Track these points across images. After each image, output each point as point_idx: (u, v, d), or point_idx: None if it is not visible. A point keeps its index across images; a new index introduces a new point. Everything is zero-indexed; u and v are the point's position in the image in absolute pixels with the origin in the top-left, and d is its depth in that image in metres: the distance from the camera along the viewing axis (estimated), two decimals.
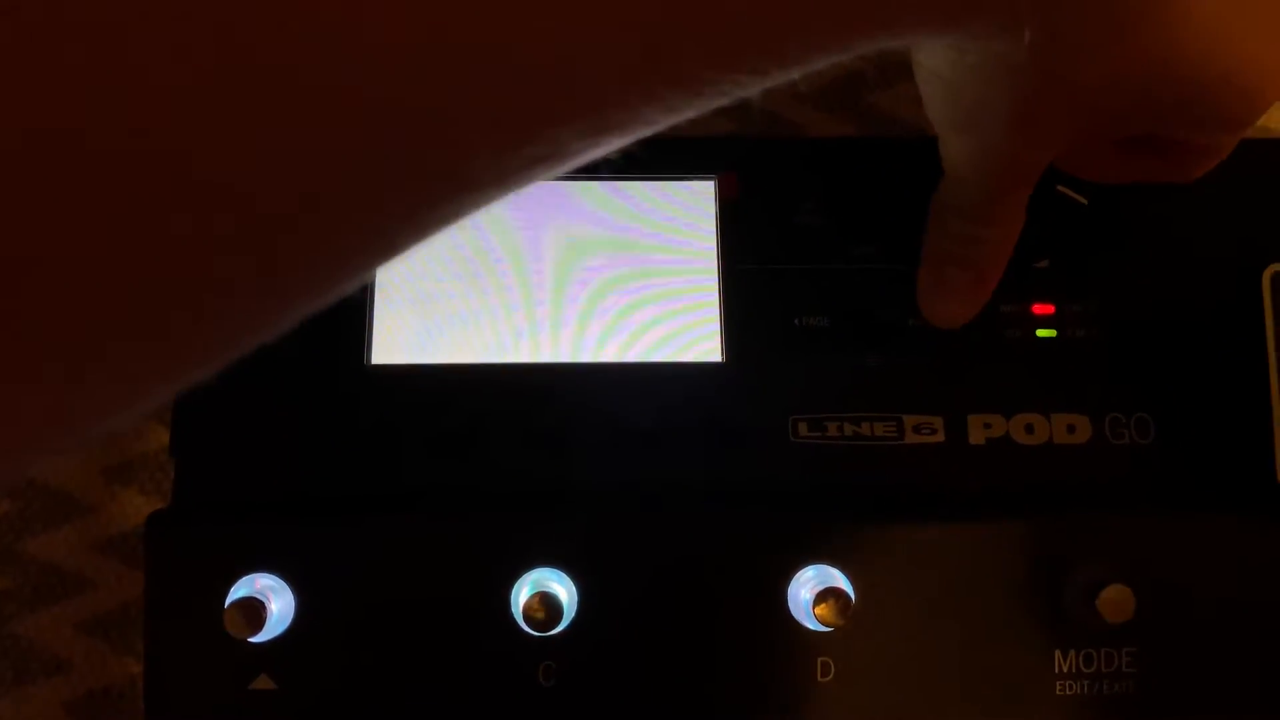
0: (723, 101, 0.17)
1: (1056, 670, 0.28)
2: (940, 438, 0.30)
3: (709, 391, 0.30)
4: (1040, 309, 0.31)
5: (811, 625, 0.28)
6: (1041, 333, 0.31)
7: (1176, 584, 0.28)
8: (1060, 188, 0.30)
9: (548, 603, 0.26)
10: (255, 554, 0.27)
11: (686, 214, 0.32)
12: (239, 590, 0.27)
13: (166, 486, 0.35)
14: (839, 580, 0.27)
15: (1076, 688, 0.28)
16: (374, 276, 0.30)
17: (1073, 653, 0.28)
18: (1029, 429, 0.30)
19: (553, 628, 0.27)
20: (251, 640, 0.27)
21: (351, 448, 0.29)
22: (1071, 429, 0.30)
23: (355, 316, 0.30)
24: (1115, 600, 0.27)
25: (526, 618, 0.27)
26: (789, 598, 0.28)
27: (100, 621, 0.33)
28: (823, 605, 0.27)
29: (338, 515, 0.28)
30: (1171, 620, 0.28)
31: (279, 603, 0.27)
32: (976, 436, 0.30)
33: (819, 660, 0.28)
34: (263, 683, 0.27)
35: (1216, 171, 0.29)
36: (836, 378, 0.30)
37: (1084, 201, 0.31)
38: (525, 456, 0.29)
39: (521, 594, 0.27)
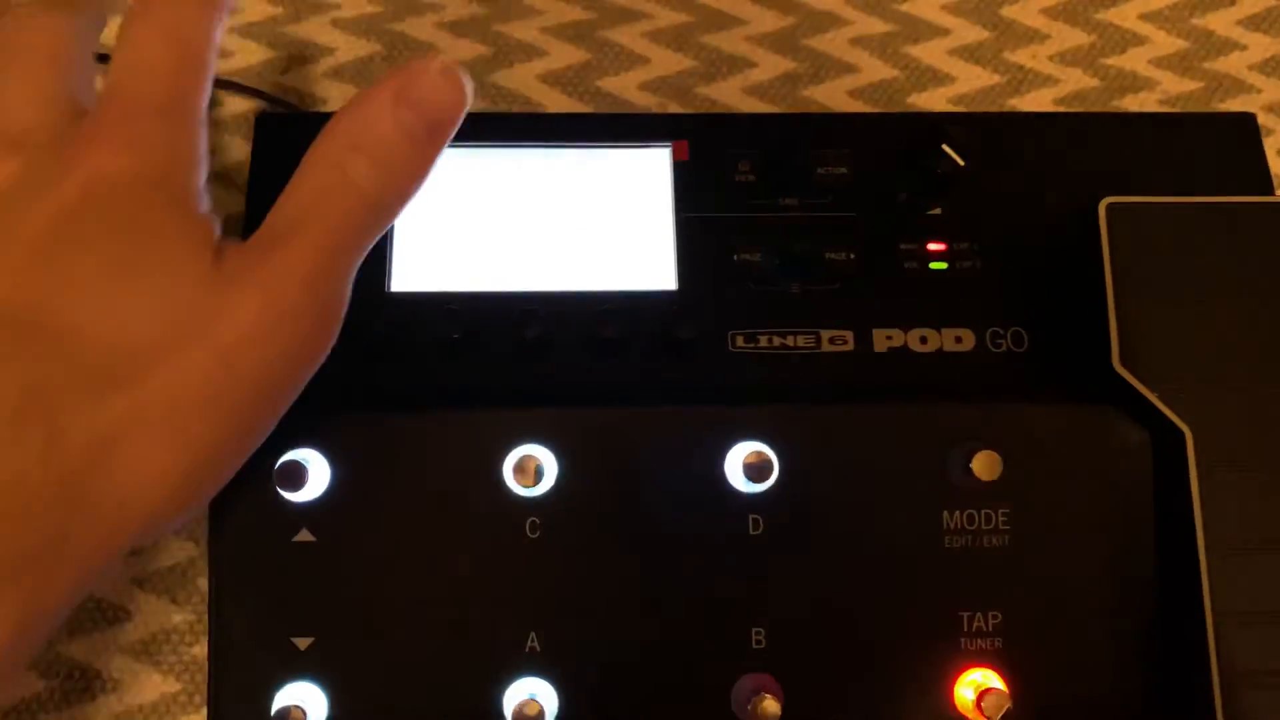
0: None
1: (945, 528, 0.35)
2: (850, 347, 0.37)
3: (665, 312, 0.37)
4: (935, 246, 0.38)
5: (744, 488, 0.34)
6: (934, 265, 0.38)
7: (1039, 457, 0.35)
8: (945, 147, 0.38)
9: (532, 464, 0.33)
10: (299, 432, 0.34)
11: (647, 174, 0.39)
12: (286, 457, 0.33)
13: None
14: (767, 450, 0.34)
15: (961, 541, 0.35)
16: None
17: (958, 512, 0.35)
18: (923, 340, 0.37)
19: (536, 485, 0.33)
20: (294, 500, 0.33)
21: (373, 357, 0.36)
22: (959, 340, 0.37)
23: (379, 253, 0.37)
24: (986, 463, 0.34)
25: (516, 475, 0.33)
26: (725, 469, 0.35)
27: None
28: (751, 467, 0.34)
29: (365, 404, 0.35)
30: (1035, 485, 0.35)
31: (315, 471, 0.34)
32: (880, 346, 0.37)
33: (750, 517, 0.35)
34: (304, 536, 0.34)
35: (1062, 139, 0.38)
36: (767, 301, 0.38)
37: (962, 163, 0.38)
38: (515, 363, 0.36)
39: (511, 462, 0.34)
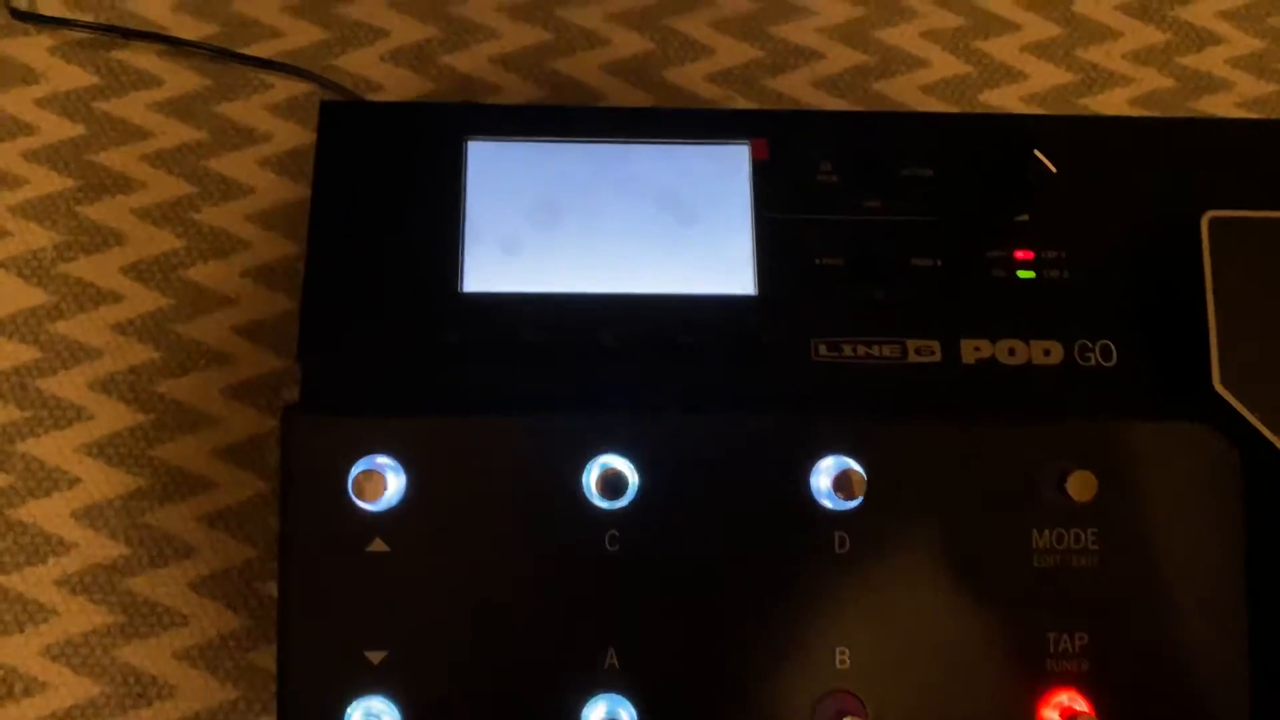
0: None
1: (1034, 546, 0.34)
2: (938, 358, 0.36)
3: (744, 318, 0.36)
4: (1021, 254, 0.37)
5: (830, 505, 0.34)
6: (1022, 274, 0.37)
7: (1130, 476, 0.34)
8: (1037, 153, 0.36)
9: (615, 476, 0.32)
10: (374, 438, 0.33)
11: (724, 172, 0.38)
12: (361, 465, 0.32)
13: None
14: (857, 468, 0.33)
15: (1050, 561, 0.34)
16: (466, 216, 0.36)
17: (1047, 531, 0.34)
18: (1011, 352, 0.36)
19: (618, 499, 0.32)
20: (367, 509, 0.32)
21: (446, 359, 0.35)
22: (1047, 353, 0.36)
23: (451, 252, 0.36)
24: (1082, 483, 0.33)
25: (599, 488, 0.32)
26: (810, 484, 0.34)
27: (221, 515, 0.39)
28: (839, 484, 0.33)
29: (439, 409, 0.34)
30: (1125, 505, 0.34)
31: (392, 479, 0.33)
32: (969, 357, 0.36)
33: (836, 534, 0.34)
34: (378, 546, 0.33)
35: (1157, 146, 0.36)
36: (850, 308, 0.36)
37: (1054, 170, 0.37)
38: (590, 367, 0.35)
39: (593, 474, 0.33)
